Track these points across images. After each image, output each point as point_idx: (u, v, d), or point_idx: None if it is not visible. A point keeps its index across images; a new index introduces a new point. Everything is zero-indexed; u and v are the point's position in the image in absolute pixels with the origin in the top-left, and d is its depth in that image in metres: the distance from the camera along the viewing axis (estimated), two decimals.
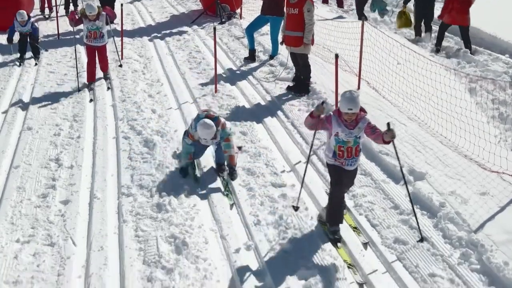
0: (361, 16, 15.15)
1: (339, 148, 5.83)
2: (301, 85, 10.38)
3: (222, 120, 7.25)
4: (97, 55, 11.14)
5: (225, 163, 7.25)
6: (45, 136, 8.70)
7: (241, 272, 5.58)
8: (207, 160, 7.79)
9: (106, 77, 11.34)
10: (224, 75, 11.53)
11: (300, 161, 7.86)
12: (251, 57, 12.39)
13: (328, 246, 5.92)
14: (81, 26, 11.35)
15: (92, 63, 11.13)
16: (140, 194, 6.93)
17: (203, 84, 10.96)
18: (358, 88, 10.16)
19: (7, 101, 10.35)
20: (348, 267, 5.58)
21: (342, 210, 6.17)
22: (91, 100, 10.26)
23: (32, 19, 13.14)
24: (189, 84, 11.01)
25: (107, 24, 11.22)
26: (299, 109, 9.63)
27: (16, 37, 12.86)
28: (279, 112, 9.56)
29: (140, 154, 7.95)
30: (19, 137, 8.72)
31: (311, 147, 6.51)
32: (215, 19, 15.82)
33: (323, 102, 5.80)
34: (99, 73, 11.34)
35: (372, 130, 5.77)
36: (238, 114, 9.50)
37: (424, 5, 13.95)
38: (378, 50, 10.93)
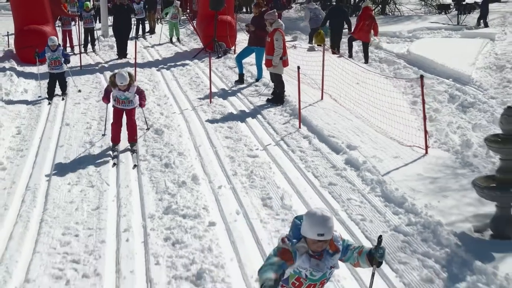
0: (311, 41, 20.54)
1: None
2: (277, 97, 13.21)
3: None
4: (126, 118, 10.36)
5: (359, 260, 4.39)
6: (79, 129, 11.50)
7: (223, 201, 8.26)
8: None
9: (133, 149, 10.23)
10: (218, 93, 14.37)
11: (270, 143, 10.63)
12: (240, 80, 15.28)
13: (281, 184, 8.65)
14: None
15: (118, 123, 10.31)
16: (152, 159, 9.69)
17: (200, 98, 13.82)
18: (321, 98, 12.99)
19: (46, 109, 13.15)
20: None
21: None
22: (114, 165, 9.67)
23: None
24: (190, 98, 13.88)
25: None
26: (274, 113, 12.43)
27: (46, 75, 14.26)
28: (259, 116, 12.36)
29: (152, 138, 10.73)
30: (60, 130, 11.52)
31: None
32: (213, 55, 18.75)
33: None
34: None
35: None
36: (228, 116, 12.31)
37: (335, 28, 18.95)
38: (340, 70, 13.82)
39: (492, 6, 31.92)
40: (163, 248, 6.83)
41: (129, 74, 10.07)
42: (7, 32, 20.45)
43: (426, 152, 9.54)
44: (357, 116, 11.79)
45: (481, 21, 24.00)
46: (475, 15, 26.20)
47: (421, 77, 9.51)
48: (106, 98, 10.40)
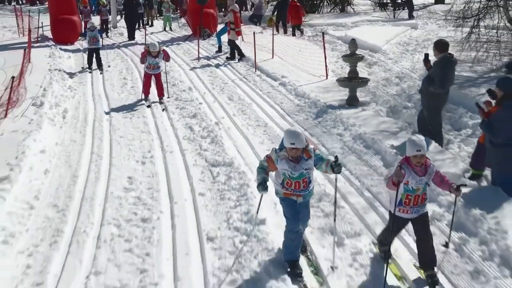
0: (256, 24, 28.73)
1: (406, 196, 5.66)
2: (233, 55, 19.87)
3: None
4: (154, 80, 14.42)
5: (326, 169, 5.96)
6: (115, 73, 18.06)
7: (206, 97, 14.75)
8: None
9: (161, 101, 14.22)
10: (203, 57, 20.92)
11: (235, 79, 17.18)
12: (219, 50, 21.87)
13: (240, 92, 15.24)
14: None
15: (148, 84, 14.42)
16: (164, 84, 16.22)
17: (191, 59, 20.43)
18: (272, 57, 19.60)
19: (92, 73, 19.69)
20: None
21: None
22: (148, 106, 13.95)
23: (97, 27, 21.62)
24: (184, 59, 20.49)
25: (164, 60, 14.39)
26: (240, 65, 18.99)
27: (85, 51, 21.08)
28: (230, 66, 18.91)
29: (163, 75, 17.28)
30: (103, 74, 18.06)
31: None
32: (200, 38, 25.29)
33: (400, 167, 5.56)
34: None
35: (441, 179, 5.82)
36: (209, 68, 18.88)
37: (281, 16, 26.01)
38: (288, 42, 20.43)
39: (437, 6, 38.85)
40: (176, 109, 13.47)
41: (159, 45, 14.34)
42: (41, 22, 26.84)
43: (326, 78, 16.17)
44: (292, 65, 18.41)
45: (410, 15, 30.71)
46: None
47: (323, 33, 16.14)
48: (143, 57, 14.43)
